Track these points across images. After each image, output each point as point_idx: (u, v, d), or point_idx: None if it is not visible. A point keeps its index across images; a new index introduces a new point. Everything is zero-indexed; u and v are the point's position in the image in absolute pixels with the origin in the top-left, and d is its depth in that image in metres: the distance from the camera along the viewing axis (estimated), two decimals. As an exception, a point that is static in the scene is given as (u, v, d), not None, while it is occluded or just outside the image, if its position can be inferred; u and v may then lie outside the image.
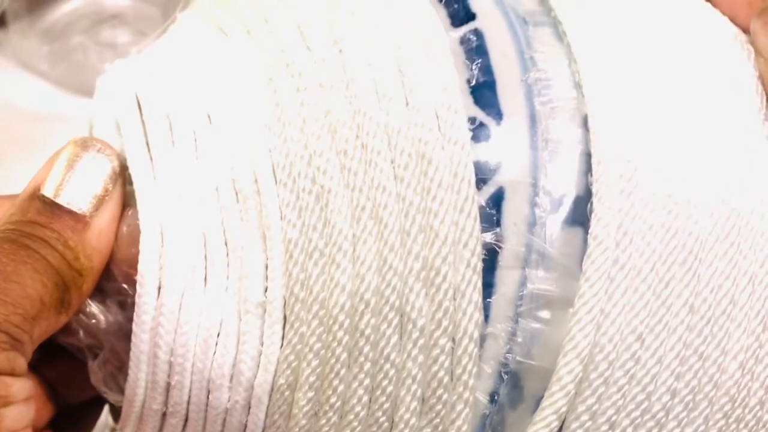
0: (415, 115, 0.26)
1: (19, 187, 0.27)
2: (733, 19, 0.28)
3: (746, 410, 0.25)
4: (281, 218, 0.26)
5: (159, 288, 0.26)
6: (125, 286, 0.27)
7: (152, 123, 0.27)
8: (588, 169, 0.25)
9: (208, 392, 0.27)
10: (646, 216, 0.25)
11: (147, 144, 0.27)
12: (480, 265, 0.25)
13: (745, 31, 0.28)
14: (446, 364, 0.25)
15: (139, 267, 0.26)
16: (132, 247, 0.27)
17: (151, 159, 0.27)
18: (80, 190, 0.27)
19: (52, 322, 0.26)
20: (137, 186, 0.27)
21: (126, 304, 0.27)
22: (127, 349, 0.27)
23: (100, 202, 0.27)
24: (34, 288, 0.25)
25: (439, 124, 0.25)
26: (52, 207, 0.26)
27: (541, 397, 0.25)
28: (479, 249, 0.25)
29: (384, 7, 0.27)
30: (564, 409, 0.24)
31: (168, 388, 0.27)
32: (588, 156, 0.25)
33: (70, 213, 0.26)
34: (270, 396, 0.26)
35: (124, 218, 0.27)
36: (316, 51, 0.27)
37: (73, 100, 0.49)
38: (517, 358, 0.25)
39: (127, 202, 0.27)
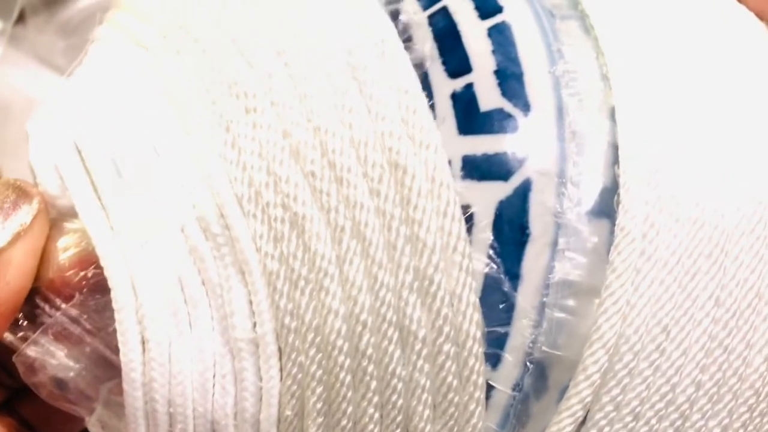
0: (380, 124, 0.24)
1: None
2: (760, 16, 0.27)
3: None
4: (257, 251, 0.25)
5: (143, 342, 0.25)
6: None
7: (97, 170, 0.25)
8: (615, 161, 0.25)
9: (214, 433, 0.26)
10: (673, 208, 0.24)
11: (96, 193, 0.25)
12: (471, 266, 0.25)
13: None
14: (453, 368, 0.25)
15: (117, 326, 0.25)
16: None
17: (104, 208, 0.25)
18: None
19: None
20: (96, 242, 0.25)
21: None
22: (106, 378, 0.26)
23: (16, 237, 0.25)
24: None
25: (407, 129, 0.24)
26: None
27: (566, 387, 0.25)
28: (468, 250, 0.24)
29: (325, 9, 0.25)
30: (589, 398, 0.25)
31: (172, 437, 0.26)
32: (615, 148, 0.25)
33: None
34: (278, 428, 0.26)
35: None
36: (259, 66, 0.25)
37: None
38: (543, 348, 0.25)
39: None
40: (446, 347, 0.25)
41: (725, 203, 0.25)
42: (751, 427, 0.26)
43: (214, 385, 0.26)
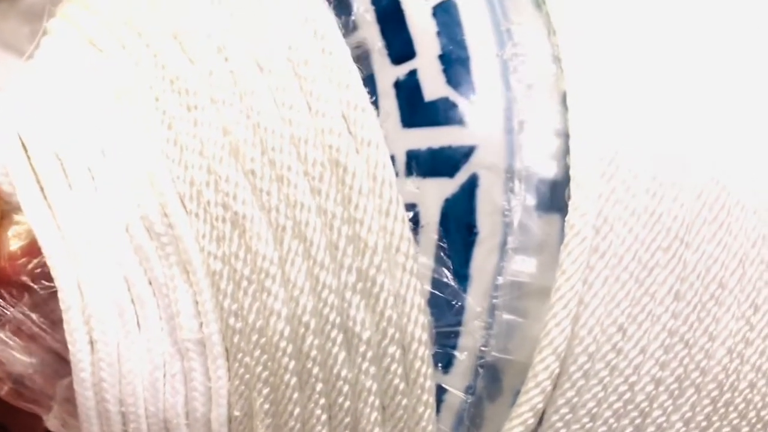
0: (320, 120, 0.24)
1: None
2: None
3: (735, 394, 0.24)
4: (201, 250, 0.24)
5: (91, 343, 0.25)
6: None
7: (43, 166, 0.25)
8: (567, 151, 0.23)
9: (167, 432, 0.26)
10: (628, 200, 0.23)
11: (42, 190, 0.25)
12: (416, 267, 0.24)
13: None
14: (399, 371, 0.24)
15: (65, 326, 0.25)
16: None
17: (50, 207, 0.25)
18: None
19: None
20: (42, 241, 0.25)
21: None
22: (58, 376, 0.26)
23: None
24: None
25: (348, 126, 0.24)
26: None
27: (520, 391, 0.24)
28: (412, 250, 0.24)
29: (266, 3, 0.24)
30: (540, 405, 0.24)
31: (126, 436, 0.26)
32: (567, 137, 0.23)
33: None
34: (229, 428, 0.25)
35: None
36: (200, 63, 0.24)
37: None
38: (493, 352, 0.24)
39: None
40: (391, 350, 0.24)
41: (685, 192, 0.23)
42: (715, 418, 0.24)
43: (164, 385, 0.25)
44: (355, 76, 0.24)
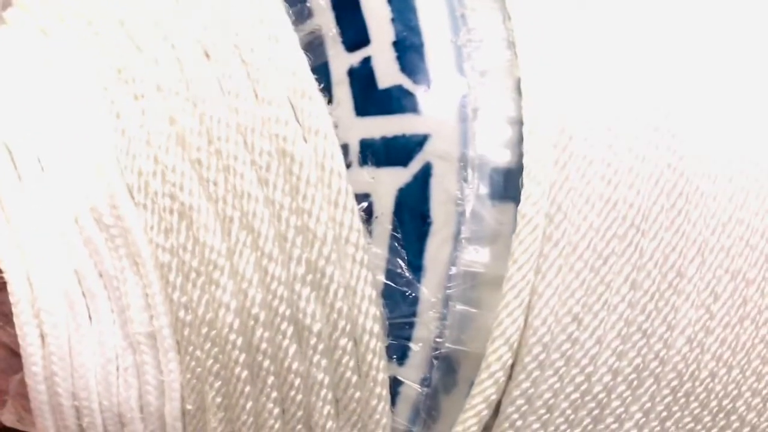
0: (267, 109, 0.23)
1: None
2: None
3: (696, 383, 0.24)
4: (149, 242, 0.24)
5: (42, 336, 0.25)
6: None
7: (-8, 159, 0.25)
8: (521, 140, 0.23)
9: (123, 426, 0.26)
10: (582, 188, 0.23)
11: (-8, 182, 0.25)
12: (366, 258, 0.23)
13: None
14: (351, 363, 0.24)
15: (15, 319, 0.25)
16: None
17: None
18: None
19: None
20: (-9, 235, 0.25)
21: None
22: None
23: None
24: None
25: (296, 114, 0.23)
26: None
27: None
28: (363, 241, 0.23)
29: (210, -11, 0.24)
30: (494, 396, 0.23)
31: (81, 430, 0.26)
32: (521, 125, 0.23)
33: None
34: (183, 422, 0.25)
35: None
36: (147, 50, 0.24)
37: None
38: (447, 343, 0.24)
39: None
40: (342, 342, 0.24)
41: (641, 178, 0.23)
42: (675, 408, 0.24)
43: (117, 378, 0.25)
44: (303, 63, 0.23)
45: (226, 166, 0.23)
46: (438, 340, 0.24)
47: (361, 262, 0.23)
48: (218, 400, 0.24)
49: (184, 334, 0.24)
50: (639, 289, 0.23)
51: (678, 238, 0.23)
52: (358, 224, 0.23)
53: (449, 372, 0.24)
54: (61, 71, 0.25)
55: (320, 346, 0.24)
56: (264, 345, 0.24)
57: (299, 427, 0.25)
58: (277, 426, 0.25)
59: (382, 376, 0.24)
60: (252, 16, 0.24)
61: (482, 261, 0.23)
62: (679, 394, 0.24)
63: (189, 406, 0.25)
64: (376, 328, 0.23)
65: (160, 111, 0.24)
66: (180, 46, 0.24)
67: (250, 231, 0.23)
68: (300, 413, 0.24)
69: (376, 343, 0.24)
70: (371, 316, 0.23)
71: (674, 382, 0.24)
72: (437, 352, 0.24)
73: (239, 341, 0.24)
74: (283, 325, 0.24)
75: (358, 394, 0.24)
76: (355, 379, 0.24)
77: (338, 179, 0.23)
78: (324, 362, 0.24)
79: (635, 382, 0.24)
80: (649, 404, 0.24)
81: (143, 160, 0.24)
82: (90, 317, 0.25)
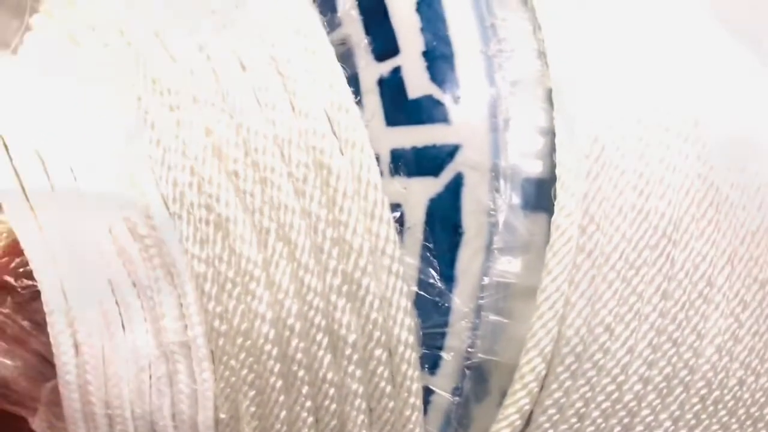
0: (304, 121, 0.23)
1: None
2: None
3: (725, 391, 0.24)
4: (184, 253, 0.24)
5: (76, 345, 0.25)
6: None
7: (24, 165, 0.25)
8: (553, 150, 0.23)
9: (155, 434, 0.26)
10: (615, 198, 0.23)
11: (23, 191, 0.25)
12: (401, 269, 0.23)
13: None
14: (386, 374, 0.24)
15: (49, 329, 0.25)
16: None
17: (31, 208, 0.25)
18: None
19: None
20: (25, 245, 0.25)
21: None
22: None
23: None
24: None
25: (332, 127, 0.23)
26: None
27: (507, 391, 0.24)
28: (398, 253, 0.23)
29: (248, 0, 0.24)
30: (527, 407, 0.23)
31: (113, 438, 0.26)
32: (552, 135, 0.23)
33: None
34: (216, 431, 0.25)
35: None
36: (182, 61, 0.24)
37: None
38: (479, 353, 0.24)
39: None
40: (377, 352, 0.24)
41: (672, 189, 0.23)
42: (704, 416, 0.24)
43: (150, 387, 0.25)
44: (339, 75, 0.23)
45: (263, 178, 0.23)
46: (470, 350, 0.24)
47: (397, 274, 0.23)
48: (252, 409, 0.25)
49: (219, 344, 0.24)
50: (670, 298, 0.23)
51: (708, 247, 0.23)
52: (394, 236, 0.23)
53: (480, 381, 0.24)
54: (94, 81, 0.25)
55: (355, 357, 0.24)
56: (299, 355, 0.24)
57: (333, 436, 0.25)
58: (310, 435, 0.25)
59: (416, 386, 0.24)
60: (288, 28, 0.24)
61: (514, 271, 0.24)
62: (708, 402, 0.24)
63: (222, 415, 0.25)
64: (411, 339, 0.24)
65: (196, 122, 0.24)
66: (215, 57, 0.24)
67: (287, 242, 0.23)
68: (334, 422, 0.25)
69: (410, 353, 0.24)
70: (406, 327, 0.24)
71: (703, 391, 0.24)
72: (469, 361, 0.24)
73: (274, 351, 0.24)
74: (319, 336, 0.24)
75: (392, 404, 0.24)
76: (389, 389, 0.24)
77: (374, 191, 0.23)
78: (358, 372, 0.24)
79: (665, 391, 0.24)
80: (678, 412, 0.24)
81: (179, 171, 0.24)
82: (123, 326, 0.25)
